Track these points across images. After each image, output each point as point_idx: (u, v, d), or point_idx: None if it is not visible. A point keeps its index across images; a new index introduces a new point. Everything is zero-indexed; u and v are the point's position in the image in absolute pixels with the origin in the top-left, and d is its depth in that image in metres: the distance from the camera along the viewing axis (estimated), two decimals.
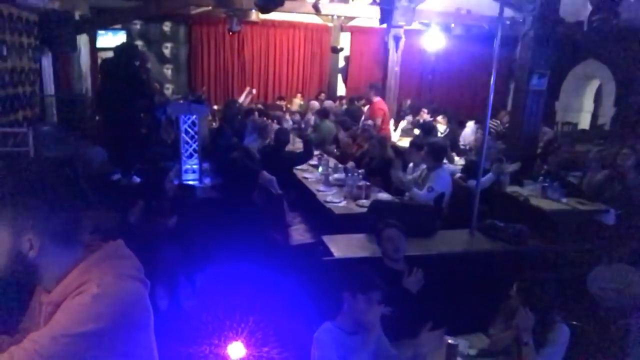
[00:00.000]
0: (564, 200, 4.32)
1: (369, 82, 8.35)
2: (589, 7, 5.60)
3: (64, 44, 7.00)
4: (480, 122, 6.87)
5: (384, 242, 2.94)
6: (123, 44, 5.90)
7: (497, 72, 3.58)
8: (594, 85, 10.68)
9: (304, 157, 5.18)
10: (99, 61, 8.70)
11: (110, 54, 6.32)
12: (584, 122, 10.77)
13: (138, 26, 10.46)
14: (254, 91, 10.06)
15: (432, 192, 4.24)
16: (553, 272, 3.09)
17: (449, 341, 2.44)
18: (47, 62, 7.22)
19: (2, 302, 1.27)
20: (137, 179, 5.16)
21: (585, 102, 10.93)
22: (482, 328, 2.64)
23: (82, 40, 8.46)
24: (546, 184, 4.47)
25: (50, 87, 7.34)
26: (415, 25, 9.13)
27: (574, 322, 2.41)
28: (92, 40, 9.25)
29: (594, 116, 10.73)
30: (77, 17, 7.63)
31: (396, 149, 6.43)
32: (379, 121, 6.89)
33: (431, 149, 4.48)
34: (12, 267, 1.09)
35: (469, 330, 2.64)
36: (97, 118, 7.41)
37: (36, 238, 1.07)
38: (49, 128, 5.83)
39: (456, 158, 6.34)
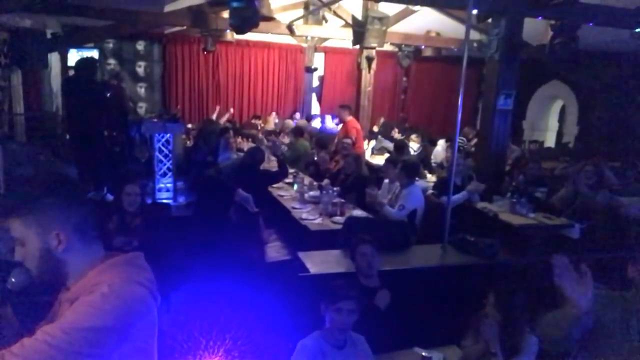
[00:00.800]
0: (532, 215, 4.48)
1: (339, 103, 8.51)
2: (551, 32, 5.86)
3: (34, 62, 6.90)
4: (451, 140, 7.08)
5: (358, 258, 2.97)
6: (81, 59, 5.86)
7: (465, 92, 3.72)
8: (558, 105, 11.14)
9: (279, 175, 5.23)
10: None
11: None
12: (550, 140, 11.19)
13: (111, 45, 10.40)
14: (232, 110, 10.10)
15: (403, 210, 4.34)
16: (522, 284, 3.19)
17: (423, 354, 2.50)
18: (16, 80, 7.12)
19: (31, 305, 1.32)
20: (110, 197, 5.10)
21: (551, 121, 11.38)
22: (455, 341, 2.69)
23: (54, 58, 8.37)
24: (514, 200, 4.62)
25: (19, 106, 7.21)
26: (387, 47, 9.38)
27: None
28: (64, 58, 9.15)
29: (559, 134, 11.15)
30: (48, 35, 7.56)
31: (370, 166, 6.55)
32: (350, 141, 7.01)
33: (404, 167, 4.60)
34: (41, 266, 1.16)
35: (443, 343, 2.70)
36: (67, 137, 7.31)
37: (64, 234, 1.16)
38: (17, 146, 5.72)
39: (428, 175, 6.49)
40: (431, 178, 6.24)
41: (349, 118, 7.52)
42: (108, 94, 6.22)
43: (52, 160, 5.86)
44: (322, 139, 6.87)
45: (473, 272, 3.54)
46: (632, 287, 1.84)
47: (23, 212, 1.15)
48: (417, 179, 4.72)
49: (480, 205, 4.79)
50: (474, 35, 8.06)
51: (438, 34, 9.49)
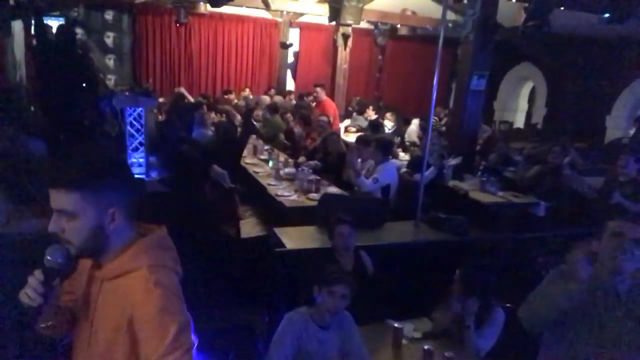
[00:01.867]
0: (500, 193, 4.63)
1: (319, 81, 8.47)
2: (524, 14, 5.95)
3: None
4: (424, 119, 7.17)
5: (336, 237, 3.02)
6: (61, 28, 5.63)
7: (439, 72, 3.77)
8: (529, 86, 11.38)
9: (244, 136, 5.22)
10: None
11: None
12: (520, 121, 11.46)
13: (78, 13, 9.98)
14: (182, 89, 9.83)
15: (376, 182, 4.42)
16: (491, 260, 3.32)
17: (395, 325, 2.59)
18: None
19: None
20: None
21: (521, 102, 11.64)
22: (426, 313, 2.80)
23: (17, 26, 7.99)
24: (484, 179, 4.77)
25: None
26: (363, 24, 9.34)
27: (509, 305, 2.61)
28: (27, 27, 8.75)
29: (528, 115, 11.43)
30: (11, 1, 7.21)
31: (346, 144, 6.57)
32: (330, 118, 7.03)
33: (379, 144, 4.66)
34: (88, 241, 1.17)
35: (415, 315, 2.80)
36: (32, 109, 7.04)
37: (119, 211, 1.19)
38: None
39: (401, 154, 6.58)
40: (404, 157, 6.34)
41: (325, 97, 7.52)
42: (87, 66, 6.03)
43: (19, 134, 5.66)
44: (304, 115, 6.85)
45: (444, 248, 3.65)
46: (597, 261, 1.95)
47: (84, 186, 1.14)
48: (390, 157, 4.78)
49: (452, 183, 4.91)
50: (449, 15, 8.09)
51: (414, 12, 9.49)
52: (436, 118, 8.42)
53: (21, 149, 4.67)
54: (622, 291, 1.92)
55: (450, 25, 8.22)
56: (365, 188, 4.41)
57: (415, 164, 5.14)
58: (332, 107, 7.43)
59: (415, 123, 7.96)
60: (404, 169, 5.52)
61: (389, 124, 7.82)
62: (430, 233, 3.80)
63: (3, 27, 6.69)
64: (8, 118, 6.06)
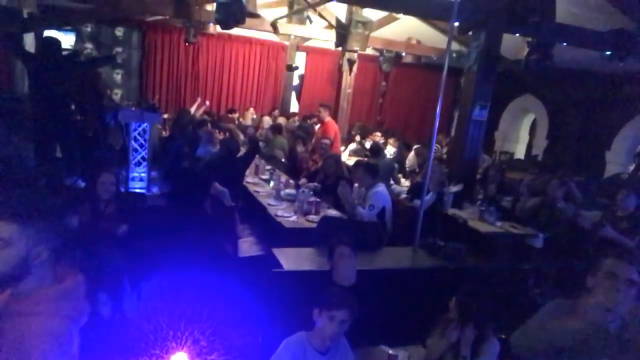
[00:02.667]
0: (499, 223, 4.64)
1: (320, 103, 8.57)
2: (527, 48, 6.07)
3: (8, 42, 6.71)
4: (425, 146, 7.23)
5: (336, 258, 3.00)
6: (45, 39, 5.78)
7: (442, 101, 3.84)
8: (530, 118, 11.49)
9: (250, 153, 5.29)
10: None
11: None
12: (520, 152, 11.53)
13: (89, 28, 10.18)
14: (207, 103, 10.03)
15: (373, 209, 4.46)
16: (487, 288, 3.31)
17: (390, 352, 2.57)
18: None
19: None
20: (82, 183, 5.02)
21: (522, 134, 11.73)
22: (421, 340, 2.78)
23: (28, 39, 8.14)
24: (483, 208, 4.78)
25: None
26: (369, 51, 9.50)
27: (504, 336, 2.60)
28: (38, 39, 8.90)
29: (529, 147, 11.51)
30: (25, 14, 7.36)
31: (348, 168, 6.61)
32: (328, 142, 7.08)
33: (366, 168, 4.71)
34: (10, 270, 1.24)
35: (409, 342, 2.78)
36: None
37: (45, 251, 1.27)
38: None
39: (402, 180, 6.61)
40: (405, 183, 6.37)
41: (328, 119, 7.60)
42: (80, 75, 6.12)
43: (22, 142, 5.71)
44: (300, 135, 6.92)
45: (441, 275, 3.65)
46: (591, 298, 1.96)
47: (23, 220, 1.23)
48: (391, 182, 4.82)
49: (451, 211, 4.93)
50: (454, 45, 8.25)
51: (419, 41, 9.66)
52: (438, 145, 8.49)
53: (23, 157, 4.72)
54: (614, 330, 1.92)
55: (454, 55, 8.39)
56: (365, 218, 4.43)
57: (415, 190, 5.17)
58: (333, 128, 7.50)
59: (416, 149, 8.02)
60: (403, 195, 5.55)
61: (391, 150, 7.87)
62: (428, 259, 3.80)
63: (14, 39, 6.80)
64: (12, 127, 6.13)
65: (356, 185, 5.04)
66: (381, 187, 4.66)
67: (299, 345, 2.27)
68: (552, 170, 6.37)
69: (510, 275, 3.78)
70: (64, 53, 5.69)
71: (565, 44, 6.05)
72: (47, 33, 8.43)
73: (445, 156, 7.84)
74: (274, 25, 8.92)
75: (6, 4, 6.85)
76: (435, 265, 3.71)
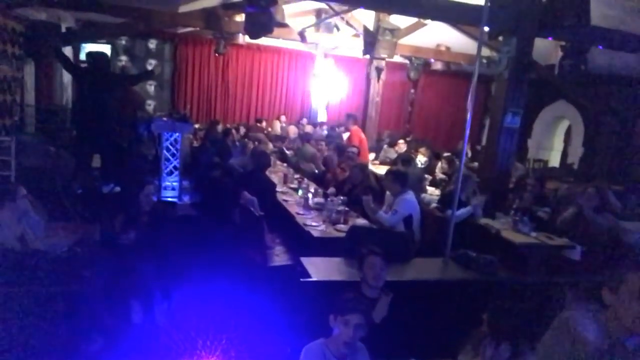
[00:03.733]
0: (534, 234, 4.50)
1: (346, 112, 8.59)
2: (560, 53, 5.92)
3: (48, 55, 6.98)
4: (456, 155, 7.12)
5: (366, 268, 2.96)
6: (94, 52, 5.97)
7: (472, 108, 3.76)
8: (564, 125, 11.17)
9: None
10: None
11: None
12: (554, 160, 11.20)
13: (124, 41, 10.50)
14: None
15: (395, 214, 4.42)
16: (522, 303, 3.21)
17: None
18: (29, 72, 7.19)
19: None
20: (118, 189, 5.16)
21: (556, 141, 11.40)
22: (451, 355, 2.71)
23: (66, 52, 8.45)
24: (517, 218, 4.65)
25: (31, 97, 7.28)
26: (396, 58, 9.45)
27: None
28: (76, 52, 9.24)
29: (564, 155, 11.17)
30: (63, 29, 7.65)
31: (376, 176, 6.57)
32: (355, 150, 7.07)
33: (395, 177, 4.67)
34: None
35: (439, 356, 2.71)
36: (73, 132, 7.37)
37: None
38: (27, 138, 5.78)
39: (431, 189, 6.51)
40: (434, 192, 6.27)
41: (354, 127, 7.59)
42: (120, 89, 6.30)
43: (60, 153, 5.91)
44: (340, 145, 6.97)
45: (473, 288, 3.56)
46: (611, 314, 1.86)
47: None
48: (408, 189, 4.75)
49: (483, 221, 4.82)
50: (484, 51, 8.13)
51: (448, 48, 9.56)
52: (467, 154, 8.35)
53: (61, 167, 4.88)
54: (630, 346, 1.82)
55: (484, 61, 8.25)
56: (386, 223, 4.38)
57: (446, 200, 5.08)
58: (358, 137, 7.49)
59: (443, 157, 7.90)
60: (434, 205, 5.46)
61: (422, 159, 7.77)
62: (459, 271, 3.71)
63: (58, 53, 7.08)
64: (51, 137, 6.36)
65: (388, 193, 5.00)
66: (409, 195, 4.61)
67: (318, 352, 2.27)
68: (588, 179, 6.16)
69: (546, 289, 3.65)
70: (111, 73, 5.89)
71: (600, 47, 5.87)
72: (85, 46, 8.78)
73: (476, 164, 7.69)
74: (301, 34, 9.00)
75: (46, 19, 7.13)
76: (466, 278, 3.62)
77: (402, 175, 4.72)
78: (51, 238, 3.73)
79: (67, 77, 8.81)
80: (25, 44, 6.65)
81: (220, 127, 8.50)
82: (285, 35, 8.90)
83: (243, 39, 9.51)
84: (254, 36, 5.34)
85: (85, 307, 3.23)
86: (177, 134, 5.62)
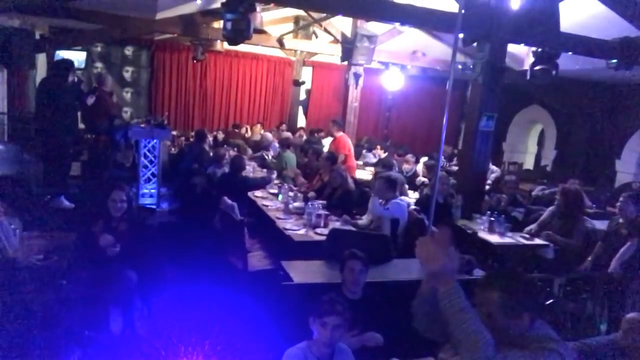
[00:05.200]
0: (509, 234, 4.61)
1: (330, 118, 8.62)
2: (532, 58, 6.09)
3: (21, 62, 6.85)
4: (432, 159, 7.23)
5: (346, 271, 3.00)
6: (57, 61, 5.91)
7: (449, 112, 3.84)
8: (538, 128, 11.46)
9: (261, 182, 5.34)
10: None
11: None
12: (529, 163, 11.48)
13: (99, 48, 10.36)
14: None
15: (387, 210, 4.51)
16: None
17: None
18: (0, 79, 7.05)
19: None
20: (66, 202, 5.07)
21: (530, 144, 11.69)
22: (431, 353, 2.75)
23: (40, 58, 8.31)
24: (493, 219, 4.76)
25: (2, 105, 7.13)
26: (374, 64, 9.56)
27: None
28: (50, 60, 9.09)
29: (538, 157, 11.45)
30: (37, 35, 7.52)
31: (355, 180, 6.62)
32: (342, 157, 7.12)
33: (387, 182, 4.73)
34: None
35: (420, 354, 2.75)
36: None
37: None
38: (3, 147, 5.66)
39: (410, 192, 6.60)
40: (413, 195, 6.36)
41: (340, 134, 7.65)
42: (88, 97, 6.20)
43: (33, 160, 5.81)
44: (317, 149, 7.02)
45: None
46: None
47: None
48: (398, 193, 4.83)
49: (460, 222, 4.91)
50: (459, 57, 8.30)
51: (424, 54, 9.72)
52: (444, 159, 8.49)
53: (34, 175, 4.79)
54: None
55: (460, 67, 8.42)
56: (375, 210, 4.46)
57: (424, 202, 5.16)
58: (346, 144, 7.55)
59: (422, 162, 8.01)
60: (412, 207, 5.53)
61: (407, 168, 7.80)
62: None
63: (27, 59, 6.94)
64: (22, 145, 6.23)
65: (371, 199, 5.04)
66: (402, 201, 4.72)
67: (300, 355, 2.30)
68: (561, 180, 6.33)
69: None
70: (69, 80, 5.76)
71: (570, 53, 6.06)
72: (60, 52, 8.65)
73: (454, 168, 7.83)
74: (280, 41, 9.04)
75: (20, 25, 7.00)
76: None
77: (394, 181, 4.84)
78: (26, 246, 3.67)
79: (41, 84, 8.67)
80: None
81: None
82: (263, 41, 8.93)
83: (221, 45, 9.51)
84: (232, 42, 5.36)
85: (62, 316, 3.18)
86: (155, 141, 5.58)
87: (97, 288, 3.49)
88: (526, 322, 1.72)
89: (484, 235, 4.61)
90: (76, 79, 6.06)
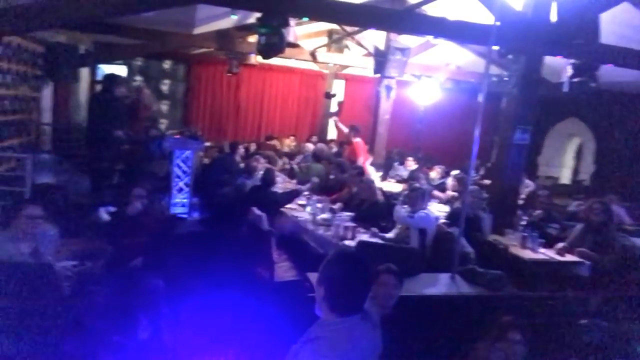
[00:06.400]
0: (542, 250, 4.47)
1: (349, 124, 8.67)
2: (570, 70, 5.92)
3: (66, 76, 7.19)
4: (464, 172, 7.10)
5: (377, 286, 2.82)
6: (105, 75, 6.21)
7: (482, 125, 3.79)
8: (575, 142, 11.09)
9: (290, 196, 5.37)
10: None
11: None
12: (565, 177, 11.11)
13: (139, 62, 10.75)
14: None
15: (412, 219, 4.45)
16: (529, 318, 3.19)
17: None
18: (47, 92, 7.39)
19: None
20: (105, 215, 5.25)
21: (567, 158, 11.32)
22: None
23: (84, 72, 8.69)
24: (526, 234, 4.62)
25: (48, 116, 7.48)
26: (406, 77, 9.53)
27: None
28: (93, 73, 9.50)
29: (575, 172, 11.07)
30: (81, 50, 7.88)
31: (384, 193, 6.57)
32: (360, 160, 7.13)
33: (422, 195, 4.70)
34: None
35: None
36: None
37: None
38: (47, 156, 5.93)
39: (442, 205, 6.50)
40: (443, 208, 6.26)
41: (356, 140, 7.66)
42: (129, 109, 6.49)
43: (72, 170, 6.04)
44: (339, 162, 7.04)
45: (480, 303, 3.53)
46: None
47: None
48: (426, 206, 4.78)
49: (491, 237, 4.79)
50: (493, 69, 8.16)
51: (458, 66, 9.62)
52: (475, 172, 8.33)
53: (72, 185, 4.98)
54: None
55: (494, 79, 8.28)
56: (400, 218, 4.47)
57: (454, 216, 5.07)
58: (360, 149, 7.57)
59: (452, 175, 7.89)
60: (442, 220, 5.45)
61: (435, 176, 7.72)
62: (467, 286, 3.69)
63: (72, 73, 7.28)
64: (66, 155, 6.50)
65: (397, 209, 4.99)
66: (430, 212, 4.68)
67: None
68: (599, 196, 6.10)
69: (554, 305, 3.61)
70: (117, 94, 6.07)
71: (610, 65, 5.86)
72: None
73: (485, 181, 7.66)
74: (313, 54, 9.14)
75: (66, 41, 7.36)
76: (474, 293, 3.60)
77: (424, 192, 4.86)
78: (62, 253, 3.79)
79: (83, 97, 9.05)
80: (44, 65, 6.87)
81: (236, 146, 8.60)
82: (297, 55, 9.06)
83: (255, 59, 9.70)
84: (266, 56, 5.44)
85: (92, 322, 3.25)
86: (189, 152, 5.70)
87: (126, 295, 3.58)
88: None
89: (515, 251, 4.48)
90: (124, 92, 6.36)
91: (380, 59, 8.27)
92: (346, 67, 10.99)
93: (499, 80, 8.43)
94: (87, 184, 5.76)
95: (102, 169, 5.92)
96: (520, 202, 6.00)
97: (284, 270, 4.29)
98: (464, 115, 11.89)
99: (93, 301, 3.41)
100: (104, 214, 5.20)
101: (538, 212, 5.51)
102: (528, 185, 7.26)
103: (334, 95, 11.41)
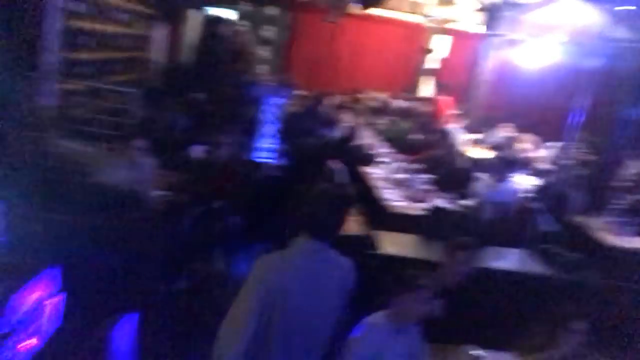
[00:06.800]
0: (636, 238, 4.06)
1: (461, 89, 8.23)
2: None
3: (176, 16, 7.60)
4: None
5: (452, 258, 2.83)
6: (209, 18, 6.43)
7: (596, 96, 3.44)
8: None
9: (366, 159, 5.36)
10: None
11: None
12: None
13: (245, 7, 10.99)
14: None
15: (493, 192, 4.24)
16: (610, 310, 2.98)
17: (472, 353, 2.47)
18: (158, 32, 7.87)
19: None
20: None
21: None
22: (510, 347, 2.60)
23: (194, 14, 9.10)
24: (620, 219, 4.21)
25: (158, 55, 8.00)
26: (519, 35, 8.76)
27: None
28: (200, 15, 9.88)
29: None
30: None
31: (472, 159, 6.26)
32: (442, 120, 6.85)
33: (507, 164, 4.45)
34: None
35: (496, 347, 2.62)
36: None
37: None
38: (153, 92, 6.37)
39: (530, 177, 6.07)
40: (533, 181, 5.84)
41: (444, 97, 7.31)
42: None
43: (173, 107, 6.44)
44: (424, 122, 6.82)
45: (552, 285, 3.35)
46: None
47: None
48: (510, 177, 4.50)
49: (579, 218, 4.43)
50: (619, 32, 7.20)
51: (579, 27, 8.63)
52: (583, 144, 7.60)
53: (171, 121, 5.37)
54: None
55: (622, 44, 7.32)
56: (480, 189, 4.29)
57: (542, 192, 4.75)
58: (445, 106, 7.22)
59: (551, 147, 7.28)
60: (530, 194, 5.12)
61: (526, 147, 7.18)
62: (539, 266, 3.50)
63: (181, 13, 7.65)
64: (169, 93, 6.94)
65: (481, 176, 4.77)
66: (510, 184, 4.43)
67: (378, 323, 2.33)
68: None
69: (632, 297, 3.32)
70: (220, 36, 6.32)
71: None
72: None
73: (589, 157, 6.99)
74: (415, 4, 8.71)
75: None
76: (546, 273, 3.41)
77: (511, 162, 4.62)
78: (156, 183, 4.16)
79: (192, 39, 9.52)
80: (156, 4, 7.30)
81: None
82: (397, 7, 8.70)
83: (356, 8, 9.47)
84: (367, 5, 5.31)
85: (174, 249, 3.56)
86: (280, 99, 5.86)
87: (207, 228, 3.89)
88: None
89: (602, 236, 4.11)
90: (227, 35, 6.63)
91: (492, 14, 7.67)
92: (451, 21, 10.34)
93: (627, 47, 7.47)
94: (185, 121, 6.13)
95: (199, 110, 6.25)
96: (626, 184, 5.42)
97: (353, 225, 4.32)
98: (575, 82, 10.79)
99: (176, 229, 3.73)
100: (195, 152, 5.60)
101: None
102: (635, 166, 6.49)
103: (430, 51, 10.91)
